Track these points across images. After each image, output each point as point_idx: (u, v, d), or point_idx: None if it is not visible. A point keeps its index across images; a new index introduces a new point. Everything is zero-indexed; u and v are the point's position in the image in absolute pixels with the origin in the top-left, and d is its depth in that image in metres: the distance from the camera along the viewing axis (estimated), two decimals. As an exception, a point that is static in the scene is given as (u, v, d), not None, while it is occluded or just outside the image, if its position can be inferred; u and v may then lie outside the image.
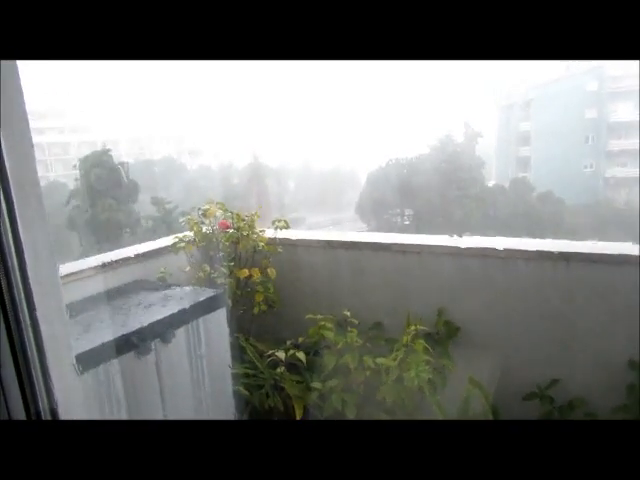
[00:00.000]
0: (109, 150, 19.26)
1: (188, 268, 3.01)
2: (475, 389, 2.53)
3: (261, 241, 3.02)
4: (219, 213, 3.02)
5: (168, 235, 3.25)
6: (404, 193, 25.04)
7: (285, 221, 3.07)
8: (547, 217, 22.83)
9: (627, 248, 2.40)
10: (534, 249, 2.51)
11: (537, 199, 24.27)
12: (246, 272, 2.91)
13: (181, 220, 3.14)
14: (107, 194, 17.80)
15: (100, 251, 3.01)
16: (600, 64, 28.97)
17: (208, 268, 2.92)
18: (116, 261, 2.75)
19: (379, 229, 24.46)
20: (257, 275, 2.95)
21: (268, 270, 3.01)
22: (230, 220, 3.02)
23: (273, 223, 3.05)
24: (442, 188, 24.27)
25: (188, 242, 2.98)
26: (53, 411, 1.29)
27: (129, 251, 2.95)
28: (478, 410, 2.52)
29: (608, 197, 26.36)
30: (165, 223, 17.67)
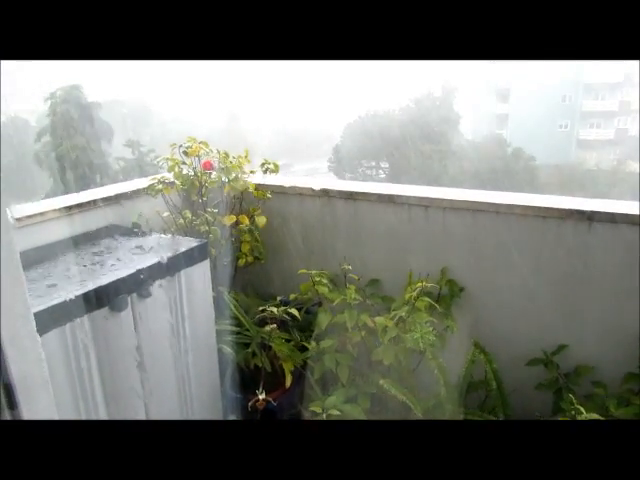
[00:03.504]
0: (79, 86, 17.97)
1: (166, 214, 2.68)
2: (480, 354, 2.37)
3: (249, 186, 2.71)
4: (202, 152, 2.66)
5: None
6: (381, 145, 24.68)
7: (275, 164, 2.74)
8: (519, 175, 23.02)
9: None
10: (549, 206, 2.28)
11: (510, 156, 24.36)
12: (233, 218, 2.60)
13: (158, 159, 2.77)
14: (78, 132, 16.77)
15: (68, 192, 2.63)
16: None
17: (190, 214, 2.60)
18: (85, 203, 2.39)
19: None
20: (245, 222, 2.66)
21: (257, 218, 2.71)
22: (215, 160, 2.68)
23: (262, 165, 2.72)
24: (419, 141, 24.02)
25: (167, 184, 2.65)
26: (7, 388, 1.04)
27: (99, 192, 2.59)
28: (481, 375, 2.38)
29: (579, 158, 26.69)
30: (139, 167, 16.93)
